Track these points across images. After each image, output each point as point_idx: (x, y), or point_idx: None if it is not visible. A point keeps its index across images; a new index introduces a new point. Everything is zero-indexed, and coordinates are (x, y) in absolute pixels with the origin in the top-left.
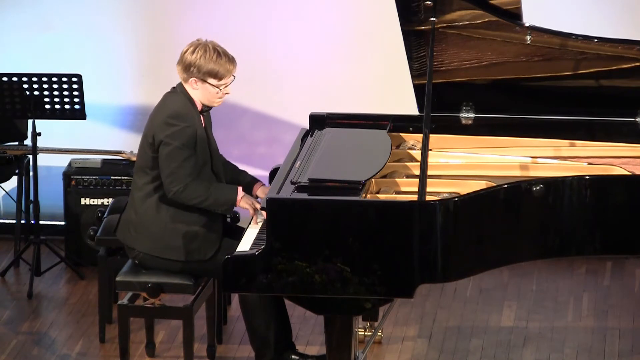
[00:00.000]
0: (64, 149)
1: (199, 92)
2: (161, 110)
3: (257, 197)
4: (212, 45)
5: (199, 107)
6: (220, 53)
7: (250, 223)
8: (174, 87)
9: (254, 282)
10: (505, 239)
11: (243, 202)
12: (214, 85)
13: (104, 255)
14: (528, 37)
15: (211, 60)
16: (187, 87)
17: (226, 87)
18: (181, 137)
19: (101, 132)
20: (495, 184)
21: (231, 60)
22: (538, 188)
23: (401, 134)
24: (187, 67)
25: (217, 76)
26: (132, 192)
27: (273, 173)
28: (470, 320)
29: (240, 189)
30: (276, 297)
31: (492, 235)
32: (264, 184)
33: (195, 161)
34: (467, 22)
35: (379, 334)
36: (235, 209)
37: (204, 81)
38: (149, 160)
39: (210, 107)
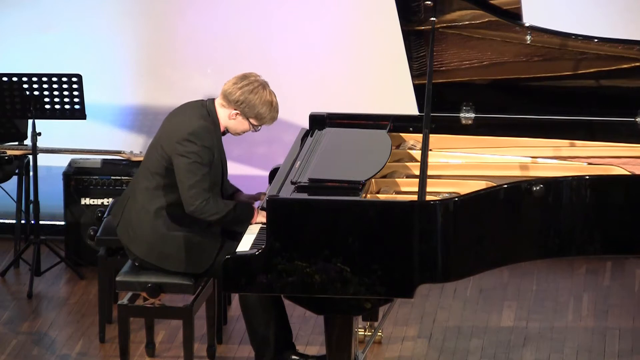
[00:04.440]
0: (64, 149)
1: (233, 122)
2: (183, 123)
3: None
4: (269, 89)
5: (222, 129)
6: (272, 102)
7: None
8: (203, 101)
9: (254, 282)
10: (505, 239)
11: (260, 217)
12: (252, 124)
13: (104, 255)
14: (528, 37)
15: (264, 106)
16: (222, 111)
17: (260, 127)
18: (201, 155)
19: (101, 132)
20: (495, 184)
21: (277, 108)
22: (538, 188)
23: (401, 134)
24: (240, 102)
25: (262, 121)
26: (134, 192)
27: (273, 173)
28: (470, 320)
29: (255, 208)
30: (276, 297)
31: (492, 235)
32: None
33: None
34: (467, 22)
35: (379, 334)
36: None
37: (247, 118)
38: (156, 165)
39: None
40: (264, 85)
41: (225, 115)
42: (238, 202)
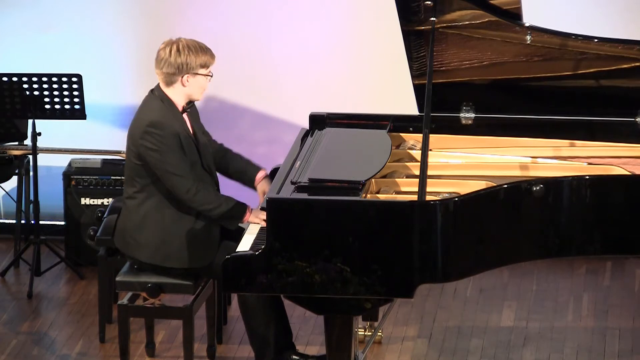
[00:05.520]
0: (64, 149)
1: (189, 88)
2: (139, 120)
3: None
4: (188, 40)
5: (180, 107)
6: (199, 44)
7: (249, 224)
8: (152, 90)
9: (254, 282)
10: (505, 239)
11: (252, 217)
12: (204, 75)
13: (104, 255)
14: (528, 37)
15: (198, 53)
16: (172, 90)
17: (211, 73)
18: (167, 143)
19: (101, 132)
20: (495, 184)
21: (207, 47)
22: (538, 188)
23: (401, 134)
24: (179, 68)
25: (207, 65)
26: (124, 201)
27: (273, 173)
28: (470, 320)
29: (249, 207)
30: (275, 298)
31: (492, 235)
32: (267, 176)
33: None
34: (467, 22)
35: (379, 334)
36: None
37: (196, 74)
38: (136, 169)
39: (192, 103)
40: (177, 42)
41: (178, 91)
42: (232, 198)
